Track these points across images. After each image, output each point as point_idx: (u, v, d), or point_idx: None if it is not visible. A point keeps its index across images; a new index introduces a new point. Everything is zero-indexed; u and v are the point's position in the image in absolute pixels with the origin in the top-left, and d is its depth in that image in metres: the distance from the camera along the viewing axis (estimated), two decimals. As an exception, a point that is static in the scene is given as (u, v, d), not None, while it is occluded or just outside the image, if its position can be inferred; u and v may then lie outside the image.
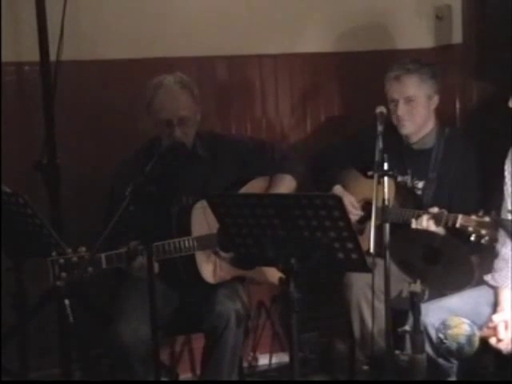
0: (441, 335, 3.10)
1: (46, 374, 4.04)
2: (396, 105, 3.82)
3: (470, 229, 3.32)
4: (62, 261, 3.22)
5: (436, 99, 3.89)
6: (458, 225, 3.40)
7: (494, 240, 3.28)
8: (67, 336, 3.82)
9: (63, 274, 3.22)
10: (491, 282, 3.33)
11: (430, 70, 3.86)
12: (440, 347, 3.12)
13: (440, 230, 3.49)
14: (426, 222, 3.52)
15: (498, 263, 3.35)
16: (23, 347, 3.85)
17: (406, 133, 3.88)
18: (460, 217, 3.40)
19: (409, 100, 3.81)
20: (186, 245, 3.48)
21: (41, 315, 3.88)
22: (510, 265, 3.28)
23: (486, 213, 3.32)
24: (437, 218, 3.51)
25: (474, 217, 3.34)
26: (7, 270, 3.69)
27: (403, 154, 3.88)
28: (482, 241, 3.29)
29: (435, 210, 3.54)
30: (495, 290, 3.32)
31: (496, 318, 3.18)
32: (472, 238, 3.32)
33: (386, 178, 3.17)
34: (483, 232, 3.29)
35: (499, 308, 3.25)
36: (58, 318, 3.74)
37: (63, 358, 3.85)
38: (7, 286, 3.77)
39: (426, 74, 3.83)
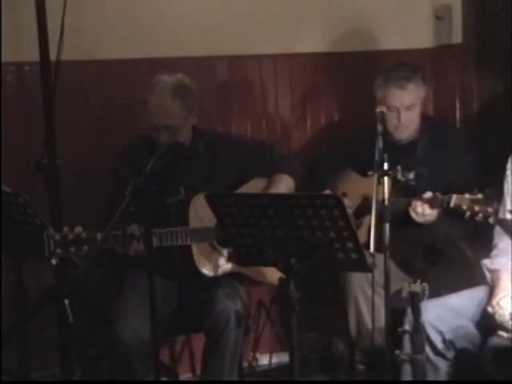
0: None
1: (46, 374, 4.05)
2: (397, 113, 3.84)
3: (464, 207, 3.37)
4: (57, 237, 3.23)
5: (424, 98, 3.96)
6: (452, 204, 3.44)
7: (487, 216, 3.30)
8: (67, 336, 3.82)
9: (58, 251, 3.23)
10: (490, 266, 3.34)
11: (421, 74, 3.91)
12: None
13: (434, 213, 3.54)
14: (420, 208, 3.56)
15: (496, 252, 3.37)
16: (23, 347, 3.85)
17: (403, 138, 3.91)
18: (454, 197, 3.44)
19: (410, 108, 3.84)
20: (182, 235, 3.48)
21: (41, 315, 3.88)
22: (508, 255, 3.29)
23: (480, 191, 3.36)
24: (431, 202, 3.54)
25: (467, 195, 3.39)
26: (7, 270, 3.69)
27: (390, 151, 3.90)
28: (477, 218, 3.32)
29: (429, 194, 3.56)
30: (493, 274, 3.32)
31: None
32: (466, 216, 3.36)
33: (386, 178, 3.18)
34: (476, 209, 3.34)
35: (498, 289, 3.24)
36: (58, 318, 3.74)
37: (63, 358, 3.85)
38: (7, 286, 3.78)
39: (420, 79, 3.88)
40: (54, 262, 3.24)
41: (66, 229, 3.27)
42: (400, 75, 3.83)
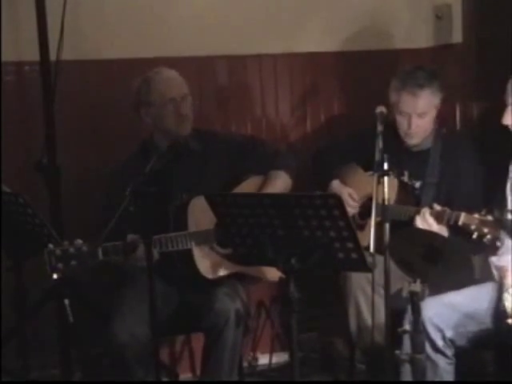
0: None
1: (46, 374, 4.05)
2: (408, 119, 3.80)
3: (473, 227, 3.32)
4: (58, 252, 3.23)
5: (439, 105, 3.89)
6: (460, 223, 3.40)
7: (495, 239, 3.28)
8: (67, 336, 3.82)
9: (60, 265, 3.23)
10: (497, 263, 3.34)
11: (439, 83, 3.83)
12: None
13: (442, 229, 3.49)
14: (428, 217, 3.53)
15: (502, 250, 3.36)
16: (23, 347, 3.85)
17: (414, 143, 3.88)
18: (463, 215, 3.40)
19: (421, 115, 3.80)
20: (183, 239, 3.48)
21: (41, 315, 3.89)
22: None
23: (489, 212, 3.33)
24: (439, 216, 3.51)
25: (476, 215, 3.33)
26: (7, 270, 3.69)
27: (401, 155, 3.89)
28: (484, 240, 3.29)
29: (438, 207, 3.55)
30: (499, 271, 3.32)
31: None
32: (474, 237, 3.33)
33: (385, 178, 3.18)
34: (485, 231, 3.30)
35: (507, 282, 3.24)
36: (58, 318, 3.74)
37: (63, 358, 3.85)
38: (7, 285, 3.78)
39: (436, 88, 3.81)
40: (55, 276, 3.24)
41: (66, 243, 3.27)
42: (415, 81, 3.77)
